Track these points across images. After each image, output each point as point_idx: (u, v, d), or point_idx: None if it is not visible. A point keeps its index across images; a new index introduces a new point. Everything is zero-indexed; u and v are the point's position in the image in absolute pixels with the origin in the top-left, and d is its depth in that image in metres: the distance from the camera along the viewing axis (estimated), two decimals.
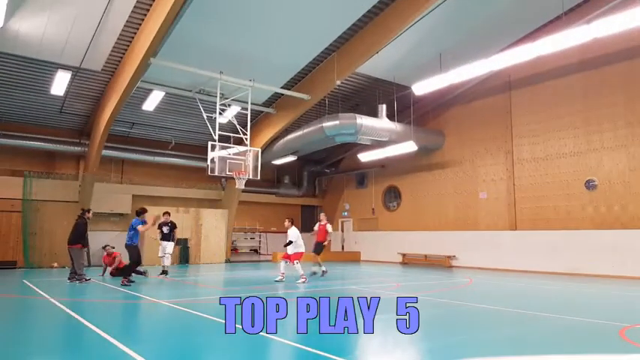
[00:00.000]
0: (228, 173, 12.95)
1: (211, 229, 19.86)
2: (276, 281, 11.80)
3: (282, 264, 12.24)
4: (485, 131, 17.77)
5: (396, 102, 17.46)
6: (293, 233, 12.19)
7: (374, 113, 17.27)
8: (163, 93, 15.42)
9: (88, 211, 12.10)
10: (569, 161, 15.25)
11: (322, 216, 14.38)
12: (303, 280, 11.59)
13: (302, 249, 12.18)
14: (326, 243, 14.13)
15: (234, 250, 21.78)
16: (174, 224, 13.68)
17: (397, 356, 4.93)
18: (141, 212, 11.64)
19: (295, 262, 11.99)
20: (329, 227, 13.96)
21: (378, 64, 15.40)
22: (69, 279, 11.36)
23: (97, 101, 15.89)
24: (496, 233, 17.05)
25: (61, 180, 17.29)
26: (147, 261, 16.18)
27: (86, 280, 11.37)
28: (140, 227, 11.22)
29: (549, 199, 15.65)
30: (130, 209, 18.62)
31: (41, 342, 5.57)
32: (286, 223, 12.53)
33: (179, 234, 18.76)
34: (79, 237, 11.47)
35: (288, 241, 12.18)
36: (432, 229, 19.58)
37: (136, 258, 11.31)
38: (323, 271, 13.48)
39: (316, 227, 14.13)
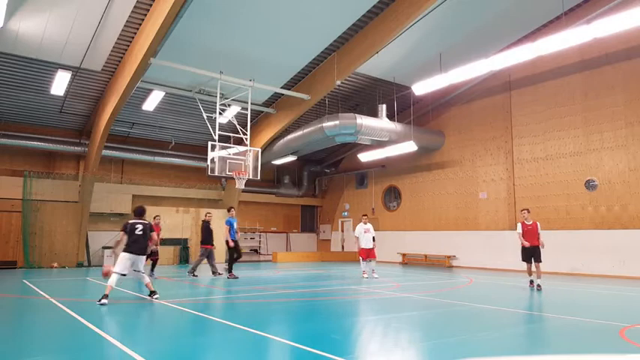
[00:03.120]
0: (228, 173, 12.94)
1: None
2: (376, 277, 12.79)
3: (372, 264, 13.11)
4: (486, 131, 17.77)
5: (396, 102, 17.46)
6: (372, 228, 13.17)
7: (374, 113, 17.28)
8: (163, 93, 15.42)
9: (209, 213, 13.82)
10: (569, 161, 15.25)
11: (526, 213, 10.83)
12: (366, 275, 12.85)
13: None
14: (542, 246, 10.53)
15: None
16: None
17: (397, 356, 4.93)
18: (229, 209, 13.12)
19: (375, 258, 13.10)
20: (538, 226, 10.67)
21: (378, 64, 15.40)
22: (213, 273, 13.12)
23: (97, 101, 15.89)
24: (496, 233, 17.04)
25: (61, 180, 17.29)
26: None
27: (194, 275, 12.75)
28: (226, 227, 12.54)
29: (549, 199, 15.65)
30: (129, 209, 18.62)
31: (41, 342, 5.57)
32: (365, 218, 13.41)
33: (179, 234, 18.87)
34: (209, 238, 13.14)
35: (372, 237, 13.02)
36: (432, 229, 19.57)
37: (237, 251, 12.83)
38: (538, 285, 10.51)
39: (519, 229, 10.73)
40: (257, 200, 22.68)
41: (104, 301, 7.75)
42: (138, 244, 8.11)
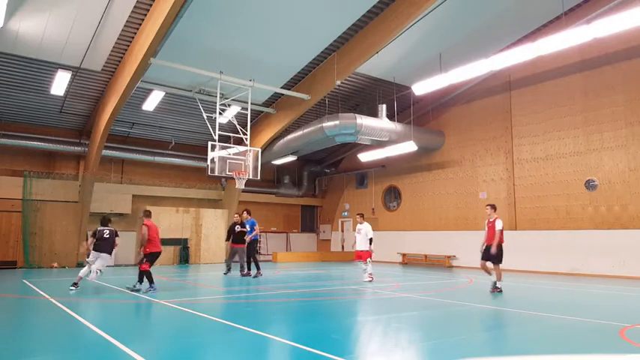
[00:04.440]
0: (228, 173, 12.93)
1: (211, 229, 19.85)
2: (366, 281, 11.65)
3: (367, 265, 11.84)
4: (486, 131, 17.78)
5: (396, 102, 17.46)
6: (369, 229, 11.89)
7: (374, 113, 17.28)
8: (163, 93, 15.41)
9: (237, 214, 14.34)
10: (569, 161, 15.25)
11: (489, 209, 10.06)
12: (370, 279, 11.68)
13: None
14: (496, 243, 9.55)
15: None
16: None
17: (397, 356, 4.93)
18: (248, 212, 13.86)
19: (368, 260, 11.82)
20: (499, 223, 9.66)
21: (378, 64, 15.40)
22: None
23: (97, 101, 15.89)
24: None
25: (61, 180, 17.28)
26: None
27: (243, 274, 13.15)
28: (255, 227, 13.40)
29: (549, 199, 15.65)
30: (129, 209, 18.62)
31: (41, 342, 5.57)
32: (359, 218, 12.26)
33: (179, 234, 18.87)
34: (234, 237, 13.39)
35: (369, 239, 11.77)
36: (432, 229, 19.57)
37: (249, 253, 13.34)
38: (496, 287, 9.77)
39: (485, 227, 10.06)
40: (257, 200, 22.67)
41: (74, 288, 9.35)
42: (104, 245, 9.80)
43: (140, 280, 9.71)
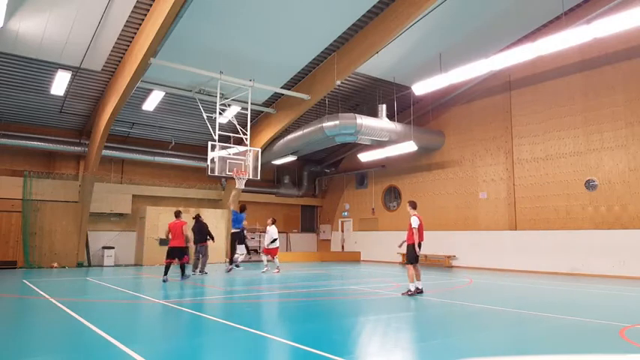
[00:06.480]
0: (228, 173, 12.94)
1: (211, 229, 19.71)
2: (274, 273, 14.09)
3: (274, 260, 14.61)
4: (486, 131, 17.78)
5: (396, 102, 17.46)
6: (274, 231, 14.51)
7: (374, 113, 17.28)
8: (163, 93, 15.41)
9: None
10: (569, 161, 15.25)
11: (408, 206, 9.56)
12: (277, 271, 14.26)
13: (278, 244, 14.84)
14: (410, 242, 9.25)
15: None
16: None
17: (397, 356, 4.93)
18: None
19: (275, 257, 14.53)
20: (414, 221, 9.19)
21: (378, 64, 15.40)
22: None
23: (97, 101, 15.89)
24: (496, 233, 17.05)
25: (61, 180, 17.29)
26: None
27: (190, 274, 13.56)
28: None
29: (549, 199, 15.65)
30: (129, 209, 18.62)
31: (41, 342, 5.57)
32: (269, 221, 14.85)
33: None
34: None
35: (273, 239, 14.39)
36: (432, 229, 19.50)
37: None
38: (417, 290, 9.27)
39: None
40: (257, 200, 22.67)
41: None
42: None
43: (182, 272, 11.84)
